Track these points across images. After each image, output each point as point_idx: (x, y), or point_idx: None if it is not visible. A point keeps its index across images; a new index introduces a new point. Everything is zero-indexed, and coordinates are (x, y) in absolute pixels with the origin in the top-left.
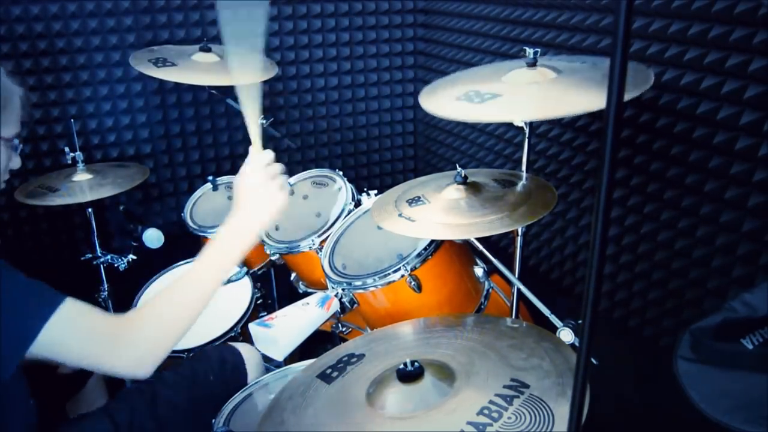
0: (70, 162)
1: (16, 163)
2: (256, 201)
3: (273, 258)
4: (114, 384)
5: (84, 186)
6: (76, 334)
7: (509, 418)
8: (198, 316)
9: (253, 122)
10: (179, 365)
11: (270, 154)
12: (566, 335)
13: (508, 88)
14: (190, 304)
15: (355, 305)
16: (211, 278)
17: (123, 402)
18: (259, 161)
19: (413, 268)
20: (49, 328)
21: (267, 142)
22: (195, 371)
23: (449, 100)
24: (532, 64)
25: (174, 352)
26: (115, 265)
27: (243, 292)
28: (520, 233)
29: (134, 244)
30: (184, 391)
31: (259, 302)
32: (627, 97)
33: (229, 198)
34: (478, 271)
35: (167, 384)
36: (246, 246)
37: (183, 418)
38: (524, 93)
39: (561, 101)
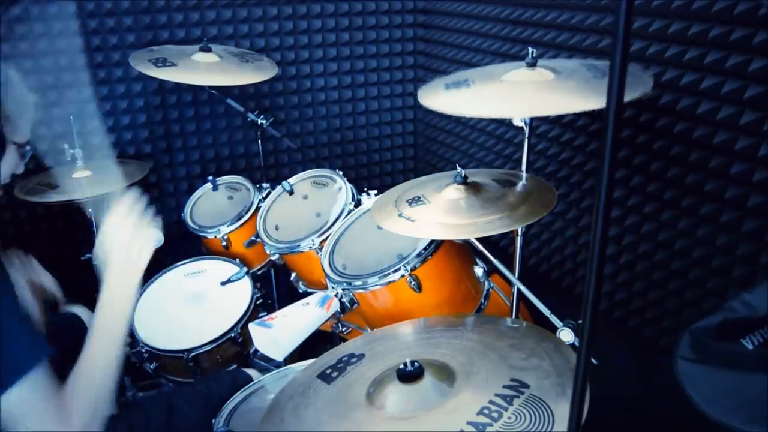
0: (69, 159)
1: (19, 168)
2: (115, 257)
3: (273, 258)
4: (121, 389)
5: (83, 183)
6: (30, 410)
7: (509, 418)
8: (113, 375)
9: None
10: (196, 383)
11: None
12: (566, 335)
13: (506, 85)
14: (101, 372)
15: (355, 305)
16: (109, 343)
17: (140, 410)
18: (119, 215)
19: (413, 268)
20: (8, 395)
21: (267, 142)
22: (210, 389)
23: (440, 91)
24: (532, 64)
25: (174, 352)
26: None
27: (243, 292)
28: (520, 233)
29: None
30: (198, 405)
31: (259, 302)
32: (625, 98)
33: (230, 198)
34: (478, 271)
35: (184, 397)
36: (129, 299)
37: (194, 429)
38: (523, 90)
39: (560, 99)
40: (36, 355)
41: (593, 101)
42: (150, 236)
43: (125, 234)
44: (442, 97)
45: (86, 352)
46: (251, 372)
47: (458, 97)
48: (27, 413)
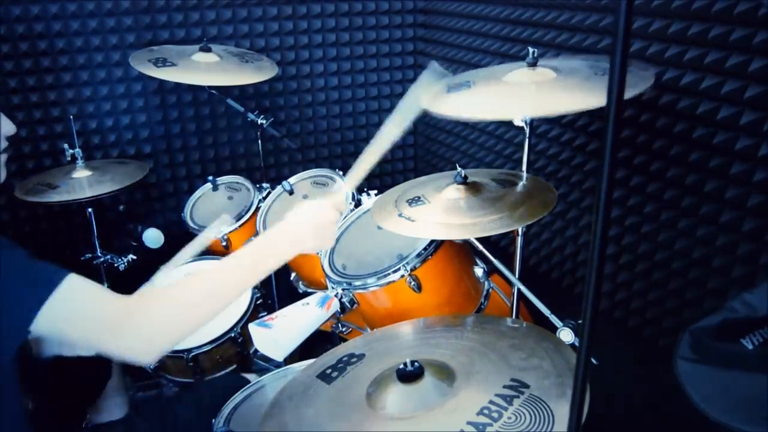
0: (69, 159)
1: (2, 175)
2: (310, 231)
3: None
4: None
5: (83, 183)
6: (79, 311)
7: (509, 418)
8: (213, 314)
9: (369, 162)
10: (199, 389)
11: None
12: (566, 335)
13: (507, 85)
14: (208, 296)
15: (355, 305)
16: (237, 278)
17: (143, 418)
18: (341, 200)
19: (413, 268)
20: (49, 304)
21: (267, 142)
22: (213, 396)
23: (442, 94)
24: (533, 64)
25: (174, 351)
26: (115, 265)
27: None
28: (520, 233)
29: (134, 244)
30: (201, 412)
31: (259, 302)
32: (626, 95)
33: (230, 198)
34: (478, 271)
35: (187, 405)
36: (278, 261)
37: None
38: (524, 91)
39: (561, 99)
40: (63, 269)
41: (595, 99)
42: (332, 242)
43: (330, 223)
44: (444, 101)
45: (203, 271)
46: (251, 377)
47: (460, 100)
48: (78, 312)
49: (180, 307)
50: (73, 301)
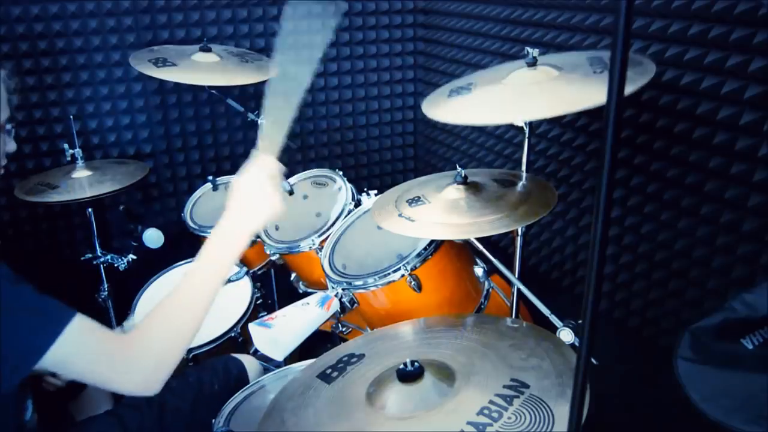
0: (69, 159)
1: (11, 146)
2: (254, 202)
3: (273, 258)
4: None
5: (83, 182)
6: (84, 353)
7: (509, 418)
8: (200, 321)
9: (275, 124)
10: (186, 374)
11: (275, 160)
12: (566, 335)
13: (507, 88)
14: (192, 308)
15: (355, 305)
16: (210, 278)
17: (132, 408)
18: (265, 163)
19: (413, 268)
20: (57, 346)
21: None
22: (201, 380)
23: (443, 99)
24: (533, 64)
25: None
26: (115, 265)
27: (243, 292)
28: (520, 233)
29: (134, 244)
30: (190, 398)
31: (259, 302)
32: (628, 89)
33: None
34: (478, 271)
35: (175, 392)
36: (240, 246)
37: (187, 423)
38: (525, 93)
39: (563, 98)
40: (70, 310)
41: (597, 97)
42: (280, 201)
43: (268, 185)
44: (445, 106)
45: (177, 286)
46: (243, 358)
47: (461, 105)
48: (83, 354)
49: (172, 332)
50: (80, 342)
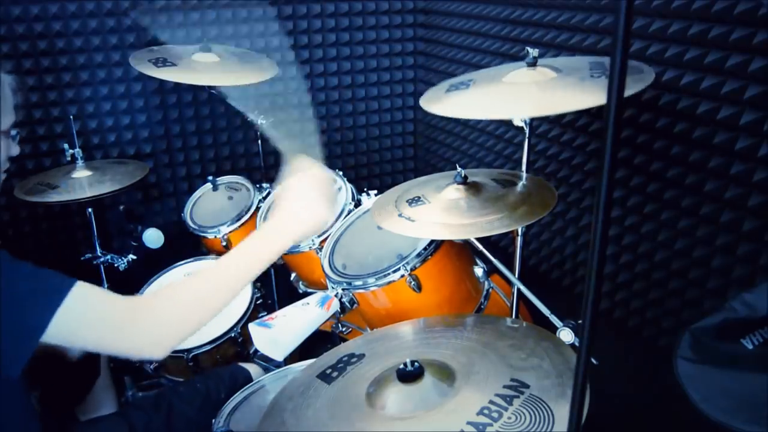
0: (69, 159)
1: (14, 150)
2: (300, 207)
3: None
4: (121, 389)
5: (83, 183)
6: (89, 318)
7: (509, 418)
8: (221, 306)
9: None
10: (194, 381)
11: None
12: (566, 335)
13: (507, 86)
14: (215, 288)
15: (355, 305)
16: (240, 269)
17: (140, 410)
18: (312, 170)
19: (413, 268)
20: (59, 314)
21: (267, 142)
22: (208, 387)
23: (442, 95)
24: (533, 64)
25: (174, 351)
26: (115, 265)
27: (243, 292)
28: (520, 233)
29: (134, 244)
30: (197, 405)
31: (259, 302)
32: (625, 92)
33: (230, 198)
34: (478, 271)
35: (182, 398)
36: (279, 247)
37: (193, 428)
38: (524, 91)
39: (562, 98)
40: (69, 277)
41: (595, 98)
42: (331, 211)
43: (315, 192)
44: (443, 101)
45: (208, 266)
46: (250, 367)
47: (459, 100)
48: (88, 319)
49: (186, 304)
50: (83, 307)
